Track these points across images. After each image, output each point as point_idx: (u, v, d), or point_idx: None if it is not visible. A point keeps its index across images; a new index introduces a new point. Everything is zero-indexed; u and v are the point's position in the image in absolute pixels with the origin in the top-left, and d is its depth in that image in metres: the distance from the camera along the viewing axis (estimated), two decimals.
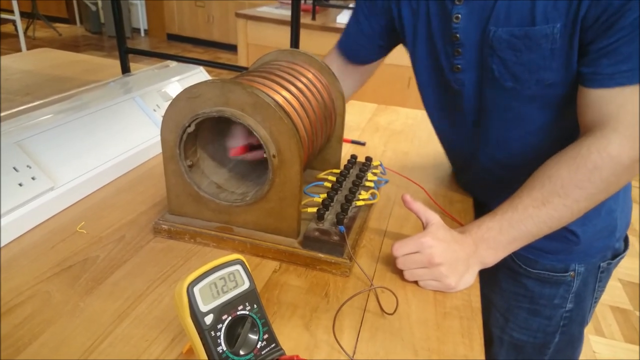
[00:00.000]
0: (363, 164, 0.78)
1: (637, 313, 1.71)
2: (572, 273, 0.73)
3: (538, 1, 0.55)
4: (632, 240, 2.19)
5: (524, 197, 0.57)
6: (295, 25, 1.10)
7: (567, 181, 0.55)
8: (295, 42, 1.12)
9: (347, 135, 1.00)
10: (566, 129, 0.63)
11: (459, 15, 0.62)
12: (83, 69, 1.32)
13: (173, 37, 5.22)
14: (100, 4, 5.13)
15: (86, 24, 5.34)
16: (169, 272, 0.55)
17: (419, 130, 1.08)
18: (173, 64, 1.18)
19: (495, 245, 0.56)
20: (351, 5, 2.59)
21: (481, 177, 0.76)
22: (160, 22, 5.21)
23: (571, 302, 0.75)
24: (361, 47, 0.83)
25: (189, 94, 0.55)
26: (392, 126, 1.10)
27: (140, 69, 1.15)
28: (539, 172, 0.58)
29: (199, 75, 1.10)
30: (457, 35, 0.63)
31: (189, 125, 0.55)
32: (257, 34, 2.53)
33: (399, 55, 0.86)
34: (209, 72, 1.18)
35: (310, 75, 0.72)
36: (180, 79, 1.04)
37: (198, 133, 0.59)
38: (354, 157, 0.79)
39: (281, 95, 0.61)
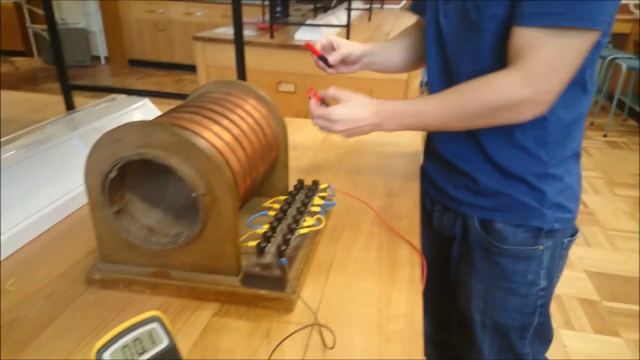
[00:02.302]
0: (309, 187, 0.77)
1: (605, 303, 1.74)
2: (541, 247, 0.76)
3: None
4: (595, 230, 2.24)
5: (440, 94, 0.69)
6: (239, 45, 1.08)
7: (457, 93, 0.67)
8: (239, 61, 1.09)
9: (297, 162, 0.99)
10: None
11: None
12: (27, 109, 1.28)
13: (135, 63, 5.15)
14: None
15: (44, 55, 5.22)
16: (100, 326, 0.52)
17: (372, 145, 1.08)
18: (121, 96, 1.15)
19: (394, 118, 0.71)
20: (308, 21, 2.60)
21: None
22: (120, 48, 5.14)
23: (544, 278, 0.78)
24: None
25: (109, 138, 0.53)
26: (346, 142, 1.10)
27: (88, 103, 1.12)
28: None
29: (143, 107, 1.07)
30: None
31: (111, 171, 0.53)
32: (215, 56, 2.51)
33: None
34: (161, 102, 1.15)
35: (246, 106, 0.71)
36: (125, 113, 1.02)
37: (125, 176, 0.57)
38: (300, 182, 0.78)
39: (211, 131, 0.59)
